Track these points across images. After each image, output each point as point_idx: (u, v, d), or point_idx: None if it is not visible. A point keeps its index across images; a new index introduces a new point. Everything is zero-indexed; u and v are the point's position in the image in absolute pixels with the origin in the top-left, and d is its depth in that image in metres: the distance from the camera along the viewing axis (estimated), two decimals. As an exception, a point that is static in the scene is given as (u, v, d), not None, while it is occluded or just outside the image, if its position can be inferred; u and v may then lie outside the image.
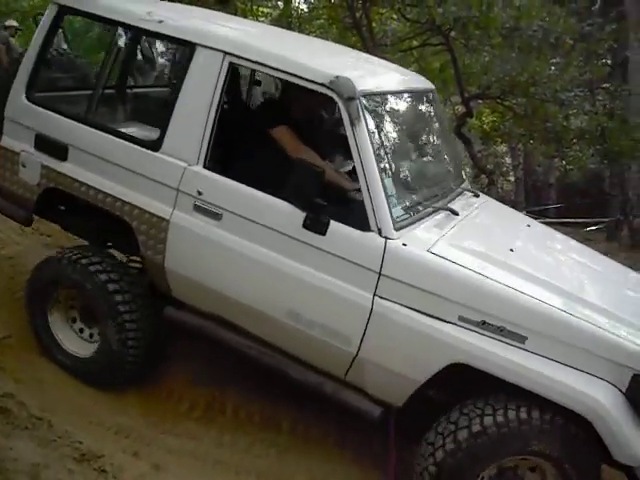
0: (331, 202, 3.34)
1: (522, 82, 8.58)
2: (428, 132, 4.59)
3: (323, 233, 3.33)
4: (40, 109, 4.09)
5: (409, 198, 3.59)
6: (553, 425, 3.13)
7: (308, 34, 10.10)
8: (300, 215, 3.36)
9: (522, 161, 20.88)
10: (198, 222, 3.63)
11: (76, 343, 4.14)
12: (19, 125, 4.15)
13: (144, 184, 3.76)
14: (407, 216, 3.45)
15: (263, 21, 12.32)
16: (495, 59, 9.07)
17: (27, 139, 4.11)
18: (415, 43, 10.01)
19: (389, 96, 3.94)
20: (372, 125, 3.45)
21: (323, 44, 5.47)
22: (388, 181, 3.39)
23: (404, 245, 3.27)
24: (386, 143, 3.61)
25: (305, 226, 3.36)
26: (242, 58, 3.64)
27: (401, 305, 3.25)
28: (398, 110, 4.11)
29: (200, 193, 3.61)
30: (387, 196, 3.33)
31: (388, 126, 3.80)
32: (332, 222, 3.33)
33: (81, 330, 4.16)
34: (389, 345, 3.31)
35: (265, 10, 13.58)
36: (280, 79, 4.01)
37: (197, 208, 3.64)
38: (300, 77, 3.48)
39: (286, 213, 3.42)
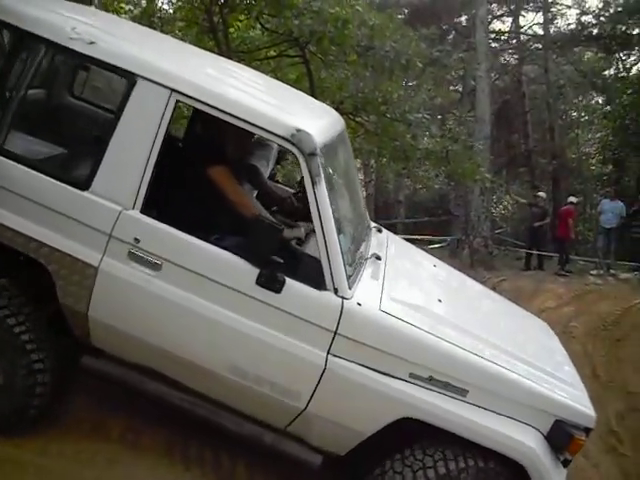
0: (284, 258, 3.26)
1: (374, 100, 8.82)
2: (348, 173, 4.39)
3: (278, 291, 3.25)
4: None
5: (350, 251, 3.56)
6: (488, 473, 3.37)
7: (168, 35, 9.88)
8: (253, 271, 3.25)
9: (374, 178, 21.46)
10: (133, 271, 3.33)
11: None
12: None
13: (67, 225, 3.33)
14: (352, 270, 3.45)
15: (124, 17, 11.92)
16: (350, 76, 9.28)
17: None
18: (273, 53, 10.02)
19: (330, 144, 3.70)
20: (325, 180, 3.33)
21: (263, 78, 4.82)
22: (340, 238, 3.34)
23: (359, 305, 3.30)
24: (333, 197, 3.41)
25: (259, 283, 3.25)
26: (193, 99, 3.35)
27: (354, 363, 3.29)
28: (335, 158, 3.86)
29: (137, 240, 3.30)
30: (343, 256, 3.31)
31: (330, 178, 3.51)
32: (287, 280, 3.26)
33: None
34: (340, 401, 3.36)
35: (126, 7, 13.14)
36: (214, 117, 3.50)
37: (132, 256, 3.32)
38: (259, 127, 3.32)
39: (238, 268, 3.29)
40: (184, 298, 3.31)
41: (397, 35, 7.98)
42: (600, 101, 26.97)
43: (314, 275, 3.28)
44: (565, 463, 3.55)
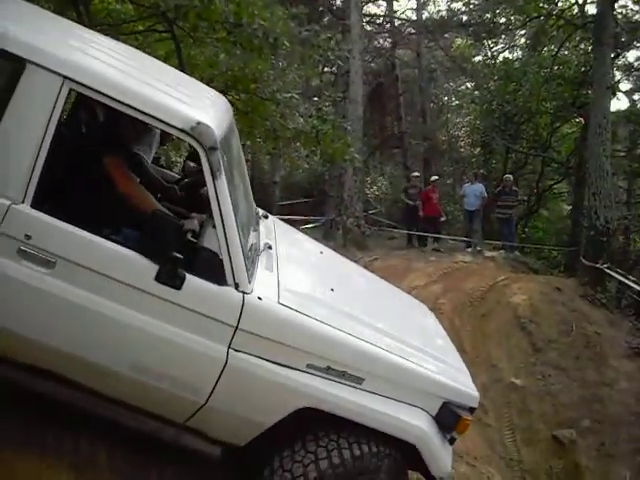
0: (181, 252, 3.14)
1: (244, 78, 8.70)
2: (239, 161, 4.19)
3: (179, 288, 3.15)
4: None
5: (246, 244, 3.47)
6: (381, 457, 3.50)
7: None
8: (152, 267, 3.13)
9: (250, 158, 21.29)
10: (23, 269, 3.06)
11: None
12: None
13: None
14: (249, 263, 3.40)
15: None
16: (220, 53, 9.10)
17: None
18: (140, 28, 9.65)
19: (225, 134, 3.55)
20: (225, 174, 3.23)
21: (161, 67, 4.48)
22: (239, 232, 3.29)
23: (259, 299, 3.30)
24: (231, 189, 3.31)
25: (159, 280, 3.13)
26: (87, 87, 3.09)
27: (254, 356, 3.30)
28: (228, 147, 3.67)
29: (28, 237, 3.04)
30: (243, 250, 3.28)
31: (227, 169, 3.35)
32: (187, 276, 3.16)
33: None
34: (240, 394, 3.35)
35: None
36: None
37: (23, 253, 3.06)
38: (158, 119, 3.16)
39: (136, 265, 3.15)
40: (80, 296, 3.13)
41: (266, 13, 7.85)
42: (469, 86, 27.93)
43: (213, 270, 3.24)
44: (451, 441, 3.77)
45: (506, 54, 25.66)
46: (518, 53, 25.30)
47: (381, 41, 27.24)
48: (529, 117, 20.87)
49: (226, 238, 3.22)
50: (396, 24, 26.67)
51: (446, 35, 26.82)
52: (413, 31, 26.26)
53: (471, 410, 3.77)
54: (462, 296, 11.65)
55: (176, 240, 3.16)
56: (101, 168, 3.51)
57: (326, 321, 3.48)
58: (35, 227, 3.08)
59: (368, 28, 24.55)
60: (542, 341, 10.51)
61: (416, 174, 17.98)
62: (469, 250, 15.96)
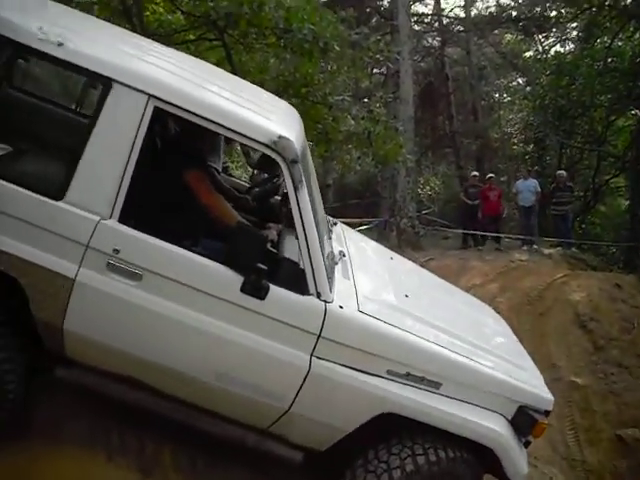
0: (264, 263, 3.25)
1: (295, 82, 8.76)
2: (311, 170, 4.23)
3: (263, 298, 3.26)
4: None
5: (325, 253, 3.56)
6: (458, 462, 3.58)
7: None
8: (237, 279, 3.25)
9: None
10: (112, 282, 3.21)
11: None
12: None
13: (40, 237, 3.14)
14: (329, 272, 3.49)
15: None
16: (270, 58, 9.19)
17: None
18: (192, 37, 9.82)
19: (301, 146, 3.63)
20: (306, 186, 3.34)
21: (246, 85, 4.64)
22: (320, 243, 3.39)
23: (340, 307, 3.39)
24: (311, 200, 3.41)
25: (244, 291, 3.25)
26: (171, 104, 3.23)
27: (336, 363, 3.39)
28: (304, 158, 3.73)
29: (117, 251, 3.19)
30: (324, 260, 3.37)
31: (307, 181, 3.46)
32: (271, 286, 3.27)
33: None
34: (323, 400, 3.44)
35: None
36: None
37: (111, 267, 3.20)
38: (240, 134, 3.28)
39: (221, 276, 3.27)
40: (167, 308, 3.26)
41: (315, 17, 7.91)
42: (520, 82, 27.57)
43: (296, 280, 3.33)
44: (526, 444, 3.84)
45: (558, 48, 25.25)
46: (570, 46, 24.82)
47: (430, 40, 27.08)
48: (583, 111, 20.41)
49: (308, 249, 3.31)
50: (444, 22, 26.49)
51: (495, 31, 26.52)
52: (462, 29, 25.99)
53: (546, 413, 3.80)
54: (520, 295, 11.49)
55: (260, 252, 3.25)
56: (182, 181, 3.61)
57: (404, 328, 3.57)
58: (123, 241, 3.20)
59: (416, 28, 24.44)
60: (603, 339, 10.29)
61: (475, 173, 17.86)
62: (525, 248, 15.72)
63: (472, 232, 16.48)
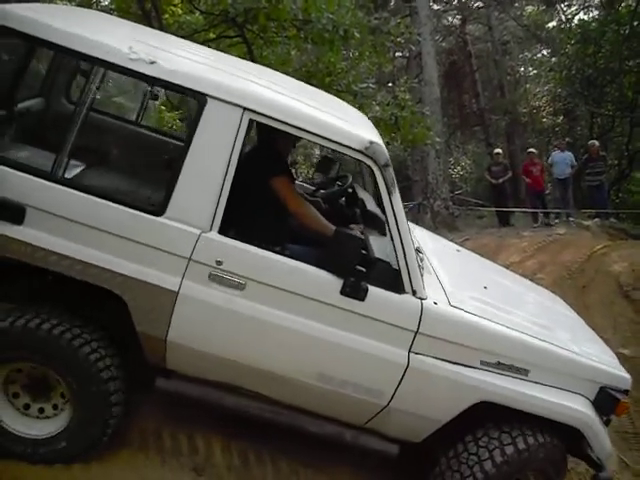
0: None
1: (318, 73, 8.75)
2: None
3: (362, 299, 3.39)
4: None
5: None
6: (548, 445, 3.72)
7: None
8: (336, 282, 3.38)
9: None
10: (216, 293, 3.34)
11: (25, 423, 3.49)
12: None
13: (141, 253, 3.27)
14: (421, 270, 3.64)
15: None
16: (291, 50, 9.19)
17: None
18: (212, 35, 9.86)
19: None
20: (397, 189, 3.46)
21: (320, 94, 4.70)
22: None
23: (435, 304, 3.54)
24: None
25: (344, 293, 3.38)
26: (266, 116, 3.33)
27: (433, 357, 3.54)
28: None
29: (219, 263, 3.31)
30: (417, 260, 3.53)
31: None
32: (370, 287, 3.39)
33: (26, 406, 3.51)
34: (421, 394, 3.58)
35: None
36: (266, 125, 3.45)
37: (214, 278, 3.33)
38: (335, 142, 3.38)
39: (321, 280, 3.40)
40: (271, 314, 3.38)
41: (334, 6, 7.88)
42: (545, 53, 27.18)
43: (391, 279, 3.45)
44: (607, 423, 3.93)
45: (581, 16, 24.76)
46: (594, 13, 24.33)
47: (450, 19, 26.83)
48: (612, 78, 20.02)
49: (404, 249, 3.42)
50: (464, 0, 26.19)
51: (516, 4, 26.19)
52: (482, 4, 25.71)
53: (625, 392, 3.92)
54: (560, 269, 11.34)
55: (358, 254, 3.35)
56: (269, 188, 3.71)
57: (492, 318, 3.71)
58: (225, 252, 3.32)
59: (436, 7, 24.21)
60: (648, 308, 10.13)
61: (498, 151, 17.21)
62: (557, 221, 15.49)
63: (505, 209, 16.17)
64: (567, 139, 20.90)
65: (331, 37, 7.80)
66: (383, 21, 8.98)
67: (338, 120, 3.55)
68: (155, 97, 4.89)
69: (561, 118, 24.45)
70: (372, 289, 3.41)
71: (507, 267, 10.04)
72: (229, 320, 3.38)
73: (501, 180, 15.76)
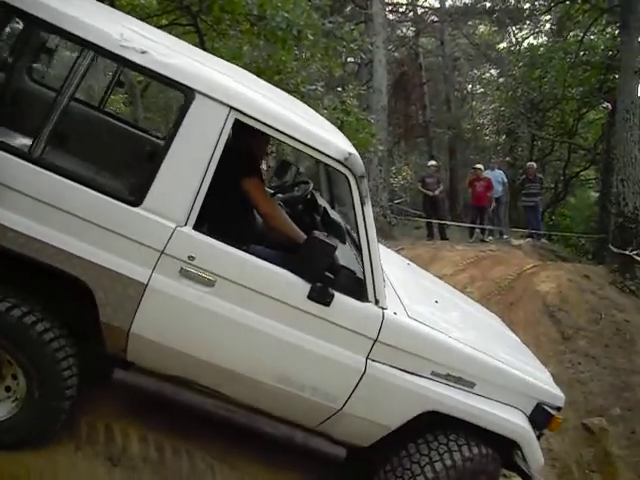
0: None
1: (268, 70, 8.72)
2: None
3: (328, 304, 3.44)
4: None
5: None
6: (489, 457, 3.87)
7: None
8: (304, 286, 3.41)
9: (274, 150, 21.33)
10: (184, 288, 3.31)
11: None
12: None
13: (113, 242, 3.20)
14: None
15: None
16: (243, 45, 9.13)
17: None
18: (165, 22, 9.72)
19: None
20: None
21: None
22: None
23: (395, 313, 3.62)
24: None
25: (311, 297, 3.42)
26: (252, 118, 3.34)
27: (388, 365, 3.63)
28: None
29: (192, 258, 3.29)
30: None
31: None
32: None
33: None
34: (373, 400, 3.67)
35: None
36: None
37: (184, 273, 3.30)
38: (317, 150, 3.42)
39: (289, 283, 3.43)
40: (238, 313, 3.39)
41: (289, 5, 7.87)
42: (493, 73, 27.73)
43: (355, 287, 3.53)
44: (539, 437, 4.09)
45: (531, 40, 25.37)
46: (543, 39, 24.95)
47: (404, 30, 27.11)
48: (555, 103, 20.59)
49: (370, 259, 3.49)
50: (419, 12, 26.52)
51: (469, 22, 26.64)
52: (436, 19, 26.09)
53: (558, 409, 4.11)
54: (490, 285, 11.57)
55: (329, 261, 3.40)
56: (240, 188, 3.70)
57: (445, 332, 3.82)
58: (198, 248, 3.30)
59: (391, 17, 24.42)
60: (571, 329, 10.41)
61: (433, 163, 17.35)
62: (490, 238, 15.79)
63: (436, 221, 16.36)
64: (507, 158, 21.43)
65: (284, 35, 7.77)
66: (337, 25, 9.01)
67: (319, 129, 3.60)
68: (121, 84, 4.78)
69: (503, 137, 24.98)
70: (337, 295, 3.47)
71: (440, 279, 10.22)
72: (195, 316, 3.37)
73: (437, 192, 15.96)
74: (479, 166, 16.73)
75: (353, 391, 3.61)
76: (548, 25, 24.63)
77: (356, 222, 3.49)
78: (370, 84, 16.90)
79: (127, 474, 3.64)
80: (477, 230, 16.08)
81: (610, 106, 17.38)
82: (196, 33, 8.96)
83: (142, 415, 3.94)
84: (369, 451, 3.93)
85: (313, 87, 8.86)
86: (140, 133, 4.87)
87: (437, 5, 26.36)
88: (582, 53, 18.53)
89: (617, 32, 16.80)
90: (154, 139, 4.85)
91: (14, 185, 3.12)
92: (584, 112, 21.25)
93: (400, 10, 26.79)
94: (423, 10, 26.66)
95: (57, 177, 3.16)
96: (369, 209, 3.48)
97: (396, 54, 26.20)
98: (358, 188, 3.44)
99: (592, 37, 19.38)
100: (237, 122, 3.37)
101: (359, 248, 3.52)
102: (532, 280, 11.90)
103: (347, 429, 3.80)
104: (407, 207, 22.97)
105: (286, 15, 7.61)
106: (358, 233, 3.50)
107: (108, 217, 3.20)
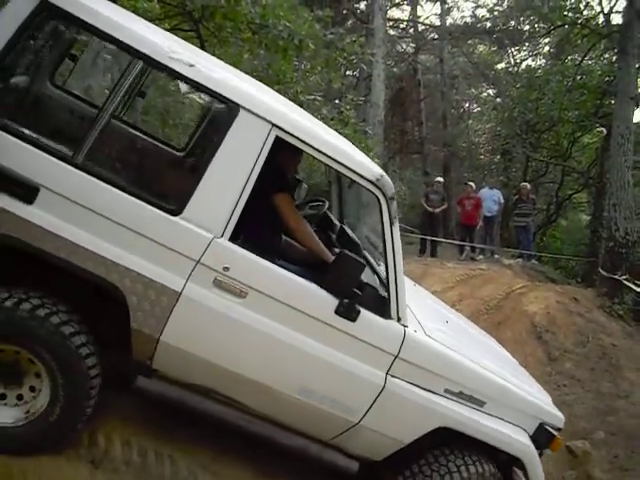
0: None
1: (268, 79, 8.73)
2: None
3: (354, 320, 3.53)
4: None
5: None
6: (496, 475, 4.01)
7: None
8: (332, 301, 3.50)
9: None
10: (217, 298, 3.38)
11: None
12: None
13: (150, 248, 3.26)
14: None
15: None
16: (244, 53, 9.15)
17: None
18: (167, 27, 9.73)
19: None
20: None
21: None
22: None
23: (415, 331, 3.73)
24: None
25: (338, 312, 3.51)
26: (292, 135, 3.44)
27: (406, 382, 3.73)
28: None
29: (226, 269, 3.36)
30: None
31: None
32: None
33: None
34: (390, 415, 3.76)
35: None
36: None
37: (218, 283, 3.37)
38: (352, 170, 3.54)
39: (318, 298, 3.51)
40: (267, 325, 3.46)
41: (292, 15, 7.90)
42: (491, 93, 27.86)
43: (379, 304, 3.63)
44: (540, 456, 4.19)
45: (529, 62, 25.53)
46: (541, 61, 25.15)
47: (404, 46, 27.20)
48: (550, 126, 20.71)
49: (396, 278, 3.59)
50: (419, 29, 26.64)
51: (469, 41, 26.78)
52: (436, 37, 26.22)
53: (559, 430, 4.26)
54: (478, 303, 11.59)
55: (358, 278, 3.51)
56: (271, 203, 3.77)
57: (458, 351, 3.96)
58: (233, 260, 3.37)
59: (391, 32, 24.52)
60: (558, 351, 10.42)
61: (439, 179, 17.19)
62: (481, 257, 15.83)
63: (429, 238, 16.21)
64: (501, 178, 21.49)
65: (285, 45, 7.80)
66: (338, 37, 9.05)
67: (352, 150, 3.74)
68: (142, 95, 4.81)
69: (498, 157, 25.08)
70: (362, 312, 3.55)
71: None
72: (226, 326, 3.43)
73: (438, 210, 15.91)
74: (471, 183, 16.79)
75: (371, 405, 3.69)
76: (547, 48, 24.80)
77: (384, 241, 3.59)
78: (368, 98, 16.94)
79: (109, 477, 3.61)
80: (467, 248, 16.07)
81: (605, 131, 17.47)
82: (197, 39, 8.96)
83: (126, 419, 3.92)
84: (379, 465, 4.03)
85: (312, 97, 8.89)
86: (162, 144, 4.95)
87: (438, 23, 26.52)
88: (579, 77, 18.67)
89: (615, 58, 16.96)
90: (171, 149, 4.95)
91: (56, 188, 3.16)
92: (579, 136, 21.38)
93: (401, 26, 26.95)
94: (423, 27, 26.81)
95: (99, 183, 3.20)
96: (397, 229, 3.60)
97: (395, 69, 26.29)
98: (388, 209, 3.56)
99: (590, 62, 19.54)
100: (276, 139, 3.44)
101: (370, 265, 3.67)
102: (521, 300, 11.92)
103: (362, 443, 3.87)
104: (399, 223, 22.95)
105: (288, 25, 7.64)
106: (385, 252, 3.59)
107: (147, 225, 3.26)
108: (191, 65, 3.31)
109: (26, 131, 3.21)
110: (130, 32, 3.29)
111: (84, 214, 3.19)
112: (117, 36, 3.25)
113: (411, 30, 26.84)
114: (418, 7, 26.94)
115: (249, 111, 3.36)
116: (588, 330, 11.00)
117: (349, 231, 4.92)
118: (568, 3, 18.24)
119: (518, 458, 4.02)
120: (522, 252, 16.07)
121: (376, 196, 3.58)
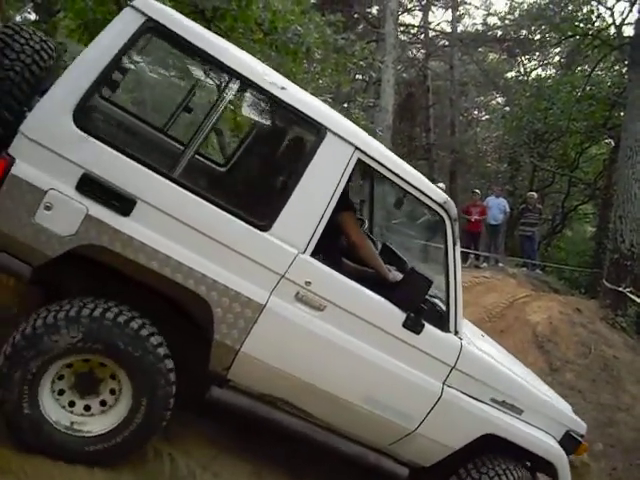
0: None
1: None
2: None
3: (419, 333, 3.77)
4: (97, 143, 3.17)
5: None
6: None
7: None
8: (400, 315, 3.73)
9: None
10: (297, 311, 3.55)
11: (69, 418, 3.37)
12: (51, 153, 3.11)
13: (238, 262, 3.40)
14: None
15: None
16: (255, 54, 9.16)
17: (63, 175, 3.13)
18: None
19: None
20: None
21: None
22: None
23: (468, 344, 4.00)
24: None
25: (405, 325, 3.74)
26: (372, 158, 3.64)
27: (459, 391, 3.99)
28: None
29: (308, 283, 3.54)
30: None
31: None
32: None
33: (71, 403, 3.39)
34: (444, 422, 3.99)
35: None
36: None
37: (299, 297, 3.54)
38: (422, 192, 3.81)
39: (388, 312, 3.74)
40: (340, 337, 3.65)
41: (303, 19, 7.92)
42: (500, 101, 27.83)
43: (439, 318, 3.89)
44: None
45: (539, 71, 25.51)
46: (551, 71, 25.09)
47: (414, 51, 27.24)
48: (559, 136, 20.69)
49: (456, 294, 3.87)
50: (430, 35, 26.66)
51: (480, 49, 26.77)
52: (447, 43, 26.23)
53: (582, 436, 4.59)
54: (481, 311, 11.56)
55: (425, 294, 3.76)
56: (336, 220, 3.85)
57: (502, 362, 4.30)
58: (315, 275, 3.56)
59: (402, 38, 24.57)
60: (559, 361, 10.40)
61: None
62: (484, 265, 15.79)
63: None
64: (507, 186, 21.45)
65: (295, 49, 7.83)
66: (349, 42, 9.06)
67: (419, 174, 3.92)
68: (189, 111, 4.90)
69: (505, 165, 25.05)
70: (425, 325, 3.79)
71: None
72: (304, 339, 3.59)
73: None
74: (477, 191, 16.81)
75: (428, 414, 3.92)
76: (557, 58, 24.79)
77: (446, 259, 3.84)
78: (377, 102, 16.96)
79: (108, 475, 3.61)
80: (472, 256, 16.05)
81: (613, 142, 17.46)
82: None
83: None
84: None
85: (322, 99, 8.89)
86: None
87: (449, 29, 26.53)
88: (589, 88, 18.63)
89: (625, 69, 16.93)
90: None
91: (153, 202, 3.26)
92: (587, 146, 21.37)
93: (412, 32, 26.98)
94: (434, 33, 26.83)
95: (194, 197, 3.32)
96: (458, 250, 3.87)
97: (405, 75, 26.35)
98: (452, 229, 3.84)
99: (600, 73, 19.52)
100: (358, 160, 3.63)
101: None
102: (524, 309, 11.90)
103: (415, 449, 4.09)
104: (405, 227, 22.92)
105: (299, 28, 7.66)
106: (447, 269, 3.85)
107: (237, 239, 3.40)
108: (283, 88, 3.47)
109: (124, 144, 3.32)
110: (230, 54, 3.44)
111: (177, 227, 3.30)
112: (220, 58, 3.39)
113: (422, 36, 26.89)
114: (430, 13, 27.02)
115: (335, 134, 3.54)
116: (590, 341, 10.97)
117: (394, 248, 5.22)
118: (580, 14, 18.26)
119: (550, 463, 4.33)
120: (526, 261, 16.02)
121: (442, 217, 3.85)
